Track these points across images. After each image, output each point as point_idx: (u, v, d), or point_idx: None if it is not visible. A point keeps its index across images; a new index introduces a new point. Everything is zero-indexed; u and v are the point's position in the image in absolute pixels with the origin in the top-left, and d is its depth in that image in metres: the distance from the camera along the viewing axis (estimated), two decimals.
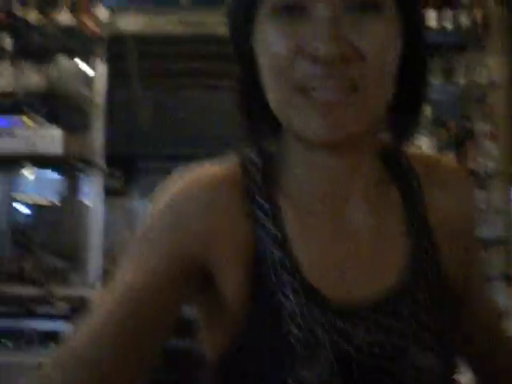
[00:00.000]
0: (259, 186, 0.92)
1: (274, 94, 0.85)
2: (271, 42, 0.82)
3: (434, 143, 3.70)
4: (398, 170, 0.97)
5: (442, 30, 3.77)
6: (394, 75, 0.84)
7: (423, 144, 3.68)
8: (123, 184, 4.89)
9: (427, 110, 3.68)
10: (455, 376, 0.95)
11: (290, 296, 0.87)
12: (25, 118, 3.57)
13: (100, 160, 3.92)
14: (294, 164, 0.93)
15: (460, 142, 3.70)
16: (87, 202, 4.04)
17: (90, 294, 3.71)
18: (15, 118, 3.57)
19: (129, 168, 5.56)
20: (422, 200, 0.96)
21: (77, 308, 3.46)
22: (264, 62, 0.85)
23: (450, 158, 1.17)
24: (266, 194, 0.91)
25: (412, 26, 0.86)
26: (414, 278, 0.91)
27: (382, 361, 0.86)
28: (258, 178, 0.92)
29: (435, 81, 3.81)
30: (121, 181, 4.84)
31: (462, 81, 3.78)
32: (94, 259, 3.84)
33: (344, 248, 0.91)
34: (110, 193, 4.33)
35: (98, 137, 3.93)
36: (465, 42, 3.91)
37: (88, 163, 3.86)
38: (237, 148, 0.95)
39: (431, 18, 3.75)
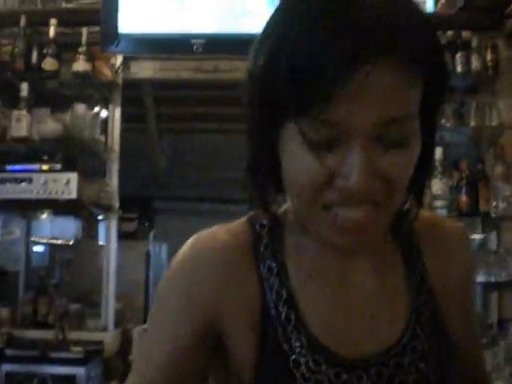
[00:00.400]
0: (266, 247, 0.98)
1: (294, 203, 0.91)
2: (299, 168, 0.84)
3: (446, 185, 3.70)
4: (399, 227, 1.01)
5: (453, 72, 3.80)
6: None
7: (435, 186, 3.69)
8: (138, 226, 4.92)
9: (439, 153, 3.70)
10: None
11: (297, 350, 0.91)
12: (41, 164, 3.63)
13: (115, 203, 3.96)
14: (299, 230, 0.98)
15: (472, 183, 3.70)
16: (102, 244, 4.07)
17: (104, 337, 3.73)
18: (32, 163, 3.63)
19: (144, 210, 5.60)
20: (421, 257, 1.02)
21: (91, 352, 3.47)
22: (288, 176, 0.88)
23: (448, 219, 1.21)
24: (273, 255, 0.97)
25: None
26: (414, 331, 0.96)
27: None
28: (266, 239, 0.99)
29: (447, 123, 3.84)
30: (135, 223, 4.87)
31: (473, 123, 3.79)
32: (108, 302, 3.86)
33: (348, 305, 0.96)
34: (125, 235, 4.37)
35: (113, 180, 3.98)
36: (476, 85, 3.94)
37: (103, 207, 3.89)
38: (247, 204, 0.98)
39: None
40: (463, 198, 3.66)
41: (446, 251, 1.05)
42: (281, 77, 0.80)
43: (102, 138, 3.92)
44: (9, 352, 3.38)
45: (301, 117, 0.81)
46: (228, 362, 0.95)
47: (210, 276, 0.94)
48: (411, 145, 0.83)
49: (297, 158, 0.84)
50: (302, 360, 0.91)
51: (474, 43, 3.76)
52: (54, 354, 3.36)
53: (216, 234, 0.98)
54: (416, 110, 0.83)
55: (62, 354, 3.38)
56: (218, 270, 0.94)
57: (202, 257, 0.96)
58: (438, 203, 3.65)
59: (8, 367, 3.31)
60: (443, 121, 3.83)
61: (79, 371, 3.29)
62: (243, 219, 1.02)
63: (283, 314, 0.94)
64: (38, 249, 4.54)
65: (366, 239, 0.88)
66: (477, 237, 3.86)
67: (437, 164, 3.69)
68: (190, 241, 0.98)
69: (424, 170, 0.92)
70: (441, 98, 0.89)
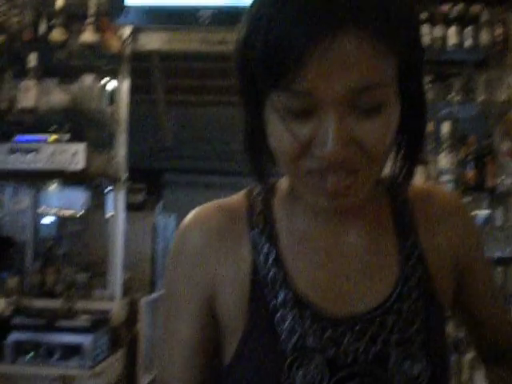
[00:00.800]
0: (259, 214, 1.05)
1: (283, 169, 0.95)
2: (279, 138, 0.89)
3: (453, 160, 3.70)
4: (394, 197, 1.08)
5: (462, 46, 3.78)
6: (390, 151, 0.92)
7: (442, 160, 3.69)
8: (146, 198, 4.94)
9: (447, 127, 3.70)
10: (447, 382, 1.02)
11: (283, 307, 0.98)
12: (49, 135, 3.64)
13: (123, 175, 3.98)
14: (291, 196, 1.05)
15: (479, 158, 3.69)
16: (110, 215, 4.10)
17: (111, 307, 3.77)
18: (40, 134, 3.64)
19: (152, 182, 5.62)
20: (414, 225, 1.06)
21: (98, 321, 3.51)
22: (271, 146, 0.92)
23: (443, 188, 1.24)
24: (265, 220, 1.04)
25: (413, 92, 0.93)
26: (401, 293, 1.00)
27: (367, 366, 0.96)
28: (260, 206, 1.06)
29: (455, 97, 3.83)
30: (143, 195, 4.89)
31: (481, 97, 3.78)
32: (115, 272, 3.89)
33: (336, 265, 1.01)
34: (132, 207, 4.39)
35: (121, 152, 3.99)
36: (485, 59, 3.92)
37: (111, 178, 3.91)
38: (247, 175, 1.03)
39: (452, 34, 3.77)
40: (470, 173, 3.66)
41: (440, 220, 1.08)
42: (256, 50, 0.85)
43: (110, 109, 3.93)
44: (17, 320, 3.42)
45: (276, 88, 0.85)
46: (219, 332, 1.03)
47: (205, 243, 1.02)
48: (385, 112, 0.86)
49: (276, 129, 0.89)
50: (288, 315, 0.97)
51: (483, 17, 3.73)
52: (61, 323, 3.40)
53: (212, 205, 1.06)
54: (388, 80, 0.85)
55: (70, 323, 3.42)
56: (212, 238, 1.02)
57: (196, 227, 1.04)
58: (445, 178, 3.64)
59: (16, 335, 3.35)
60: (451, 95, 3.83)
61: (86, 340, 3.32)
62: (244, 190, 1.09)
63: (271, 274, 1.00)
64: (46, 220, 4.57)
65: (348, 204, 0.92)
66: (483, 212, 3.86)
67: (444, 138, 3.69)
68: (189, 214, 1.06)
69: (415, 140, 0.96)
70: (417, 72, 0.92)
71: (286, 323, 0.96)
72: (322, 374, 0.94)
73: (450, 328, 3.37)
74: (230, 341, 1.00)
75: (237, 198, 1.08)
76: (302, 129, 0.86)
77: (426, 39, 3.78)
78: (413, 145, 0.97)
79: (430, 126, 3.72)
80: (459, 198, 1.15)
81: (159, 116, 6.55)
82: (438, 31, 3.78)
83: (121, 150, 3.99)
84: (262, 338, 0.97)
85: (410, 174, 0.99)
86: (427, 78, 3.81)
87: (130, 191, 4.20)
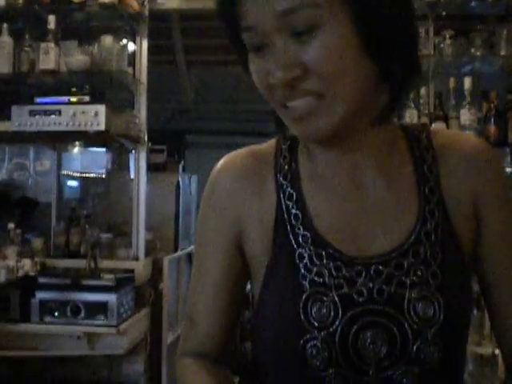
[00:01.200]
0: (284, 158, 1.12)
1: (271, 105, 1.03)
2: (254, 76, 1.00)
3: (475, 115, 3.67)
4: (416, 143, 1.10)
5: (484, 0, 3.72)
6: (356, 73, 0.96)
7: (463, 116, 3.66)
8: (167, 159, 4.96)
9: (468, 82, 3.66)
10: (463, 330, 1.05)
11: (302, 244, 1.05)
12: (70, 96, 3.66)
13: (144, 135, 4.00)
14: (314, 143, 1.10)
15: (501, 114, 3.66)
16: (132, 176, 4.13)
17: (135, 266, 3.82)
18: (60, 96, 3.66)
19: (173, 143, 5.64)
20: (435, 171, 1.08)
21: (122, 279, 3.56)
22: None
23: (470, 134, 1.25)
24: (289, 164, 1.12)
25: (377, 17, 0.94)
26: (419, 235, 1.04)
27: (381, 305, 1.00)
28: (286, 151, 1.13)
29: (476, 52, 3.78)
30: (165, 156, 4.91)
31: (503, 52, 3.73)
32: (139, 232, 3.93)
33: (354, 207, 1.07)
34: (154, 167, 4.42)
35: (142, 113, 4.01)
36: (507, 13, 3.86)
37: (132, 138, 3.93)
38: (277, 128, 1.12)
39: None
40: (492, 128, 3.63)
41: (463, 165, 1.08)
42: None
43: (130, 70, 3.94)
44: (42, 280, 3.47)
45: (239, 30, 0.98)
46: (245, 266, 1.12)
47: (234, 185, 1.12)
48: (323, 33, 0.92)
49: (251, 68, 1.00)
50: (306, 253, 1.04)
51: None
52: (86, 282, 3.44)
53: (243, 150, 1.16)
54: (320, 1, 0.91)
55: (94, 282, 3.46)
56: (241, 180, 1.12)
57: (228, 170, 1.13)
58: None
59: (42, 295, 3.40)
60: (473, 50, 3.78)
61: (111, 298, 3.37)
62: (275, 138, 1.17)
63: (293, 214, 1.07)
64: (69, 181, 4.61)
65: (319, 129, 0.98)
66: (505, 169, 3.83)
67: (465, 94, 3.66)
68: (222, 158, 1.16)
69: (400, 70, 1.00)
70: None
71: (305, 260, 1.03)
72: (336, 310, 1.00)
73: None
74: (257, 275, 1.09)
75: (267, 144, 1.16)
76: (262, 63, 0.97)
77: None
78: (399, 75, 1.00)
79: (451, 82, 3.69)
80: (488, 146, 1.12)
81: (180, 77, 6.54)
82: None
83: (142, 111, 4.00)
84: (283, 273, 1.05)
85: (395, 106, 1.04)
86: (448, 33, 3.78)
87: (152, 152, 4.22)
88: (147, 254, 4.01)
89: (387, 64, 0.98)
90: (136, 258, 3.90)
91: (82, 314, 3.36)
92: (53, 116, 3.58)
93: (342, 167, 1.08)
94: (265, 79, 0.97)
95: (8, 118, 3.63)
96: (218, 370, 1.14)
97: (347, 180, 1.08)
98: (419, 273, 1.01)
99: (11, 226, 3.81)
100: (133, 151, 4.09)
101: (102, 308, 3.37)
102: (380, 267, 1.02)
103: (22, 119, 3.61)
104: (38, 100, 3.67)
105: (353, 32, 0.93)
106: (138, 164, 4.01)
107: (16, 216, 4.05)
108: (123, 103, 4.04)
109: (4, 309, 3.41)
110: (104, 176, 4.74)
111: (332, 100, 0.95)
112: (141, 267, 3.87)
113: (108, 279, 3.46)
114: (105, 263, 3.79)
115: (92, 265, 3.70)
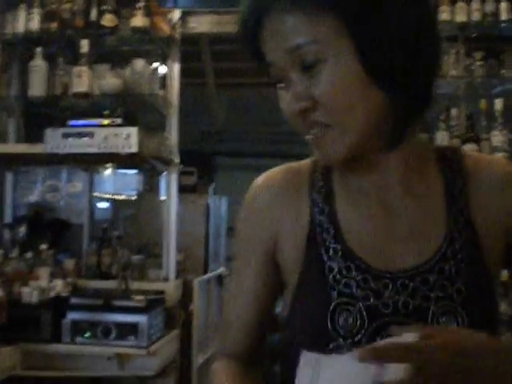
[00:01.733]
0: (320, 175, 1.19)
1: None
2: (281, 107, 1.08)
3: (506, 137, 3.65)
4: (447, 165, 1.15)
5: None
6: (364, 104, 1.01)
7: (495, 138, 3.64)
8: (197, 181, 4.98)
9: (499, 103, 3.65)
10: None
11: (333, 257, 1.10)
12: (102, 119, 3.70)
13: (175, 157, 4.03)
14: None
15: None
16: (163, 198, 4.16)
17: (165, 287, 3.83)
18: (93, 118, 3.70)
19: (203, 165, 5.67)
20: (465, 191, 1.12)
21: (153, 301, 3.57)
22: None
23: (501, 158, 1.27)
24: (324, 180, 1.18)
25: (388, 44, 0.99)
26: (445, 254, 1.07)
27: (405, 317, 1.04)
28: (320, 170, 1.19)
29: (508, 73, 3.77)
30: (195, 177, 4.94)
31: None
32: (169, 253, 3.95)
33: (384, 223, 1.11)
34: (185, 189, 4.44)
35: (173, 135, 4.04)
36: None
37: (164, 160, 3.96)
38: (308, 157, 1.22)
39: (503, 10, 3.71)
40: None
41: (495, 187, 1.12)
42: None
43: (161, 92, 3.98)
44: (74, 300, 3.49)
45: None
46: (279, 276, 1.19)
47: (272, 199, 1.19)
48: (329, 65, 0.99)
49: (279, 97, 1.08)
50: (336, 266, 1.09)
51: None
52: (117, 303, 3.46)
53: (281, 167, 1.23)
54: (320, 37, 0.99)
55: (125, 303, 3.48)
56: (278, 195, 1.19)
57: (266, 185, 1.22)
58: (498, 155, 3.60)
59: (73, 315, 3.42)
60: (503, 71, 3.77)
61: (142, 319, 3.38)
62: (310, 158, 1.23)
63: (325, 228, 1.13)
64: (101, 203, 4.65)
65: (339, 155, 1.05)
66: None
67: (497, 115, 3.65)
68: (261, 175, 1.24)
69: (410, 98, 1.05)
70: (374, 25, 0.99)
71: (334, 272, 1.09)
72: (362, 320, 1.05)
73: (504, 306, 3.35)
74: (289, 286, 1.16)
75: (304, 162, 1.23)
76: (284, 94, 1.06)
77: (476, 15, 3.73)
78: (406, 103, 1.05)
79: (482, 103, 3.68)
80: None
81: (209, 99, 6.59)
82: (489, 7, 3.73)
83: (173, 132, 4.04)
84: (314, 283, 1.11)
85: (407, 127, 1.08)
86: (479, 54, 3.77)
87: (182, 174, 4.25)
88: (177, 275, 4.02)
89: (394, 92, 1.02)
90: (166, 279, 3.92)
91: (113, 335, 3.38)
92: (85, 138, 3.61)
93: (370, 186, 1.13)
94: (287, 108, 1.05)
95: (41, 140, 3.68)
96: (249, 371, 1.23)
97: (376, 198, 1.13)
98: (444, 288, 1.05)
99: (44, 247, 3.85)
100: (164, 173, 4.13)
101: (132, 329, 3.38)
102: (406, 281, 1.06)
103: (55, 142, 3.65)
104: (71, 123, 3.71)
105: (357, 63, 0.99)
106: (169, 186, 4.04)
107: (48, 237, 4.08)
108: (155, 125, 4.09)
109: (36, 329, 3.44)
110: (135, 197, 4.77)
111: (340, 130, 1.03)
112: (171, 288, 3.88)
113: (139, 300, 3.47)
114: (135, 284, 3.82)
115: (123, 286, 3.72)
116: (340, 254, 1.10)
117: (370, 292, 1.06)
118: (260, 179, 1.23)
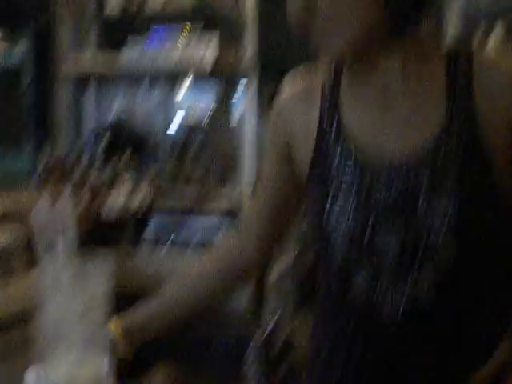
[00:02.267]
0: (330, 76, 1.29)
1: None
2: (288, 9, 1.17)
3: None
4: (453, 63, 1.16)
5: None
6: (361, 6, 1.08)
7: None
8: (276, 93, 4.94)
9: None
10: (481, 230, 1.09)
11: (333, 153, 1.21)
12: (181, 31, 3.70)
13: (254, 68, 4.02)
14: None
15: None
16: (241, 110, 4.16)
17: (244, 195, 3.88)
18: (172, 31, 3.71)
19: (282, 77, 5.62)
20: (469, 89, 1.12)
21: (232, 209, 3.63)
22: None
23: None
24: (333, 79, 1.28)
25: None
26: (441, 143, 1.11)
27: (398, 202, 1.12)
28: (332, 70, 1.29)
29: None
30: (273, 90, 4.89)
31: None
32: (248, 165, 3.99)
33: (380, 114, 1.18)
34: (263, 101, 4.42)
35: (252, 48, 4.01)
36: None
37: (242, 73, 3.95)
38: None
39: None
40: None
41: (502, 86, 1.10)
42: None
43: (241, 4, 3.93)
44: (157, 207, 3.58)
45: None
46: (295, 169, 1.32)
47: (287, 103, 1.34)
48: None
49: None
50: (336, 160, 1.20)
51: None
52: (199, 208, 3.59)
53: (301, 72, 1.37)
54: None
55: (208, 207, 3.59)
56: (293, 99, 1.33)
57: (284, 90, 1.36)
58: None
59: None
60: None
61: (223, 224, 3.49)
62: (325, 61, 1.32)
63: (330, 121, 1.24)
64: (180, 114, 4.67)
65: (338, 49, 1.12)
66: None
67: None
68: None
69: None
70: None
71: (334, 162, 1.20)
72: (356, 207, 1.15)
73: None
74: (303, 177, 1.29)
75: (321, 64, 1.32)
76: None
77: None
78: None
79: None
80: None
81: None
82: None
83: (251, 44, 4.01)
84: (320, 171, 1.23)
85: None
86: None
87: (261, 84, 4.22)
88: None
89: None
90: (246, 189, 3.95)
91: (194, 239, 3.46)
92: (165, 48, 3.63)
93: (373, 79, 1.19)
94: (292, 8, 1.15)
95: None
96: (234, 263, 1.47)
97: (375, 97, 1.19)
98: (437, 179, 1.09)
99: (125, 157, 3.93)
100: (242, 83, 4.12)
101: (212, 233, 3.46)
102: (400, 171, 1.12)
103: (135, 53, 3.69)
104: (151, 33, 3.73)
105: None
106: (247, 98, 4.04)
107: (128, 150, 4.14)
108: (232, 38, 4.06)
109: (119, 236, 3.57)
110: (214, 110, 4.76)
111: (341, 23, 1.09)
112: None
113: (220, 206, 3.53)
114: (216, 191, 3.89)
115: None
116: (339, 150, 1.20)
117: (364, 181, 1.16)
118: (282, 84, 1.38)
